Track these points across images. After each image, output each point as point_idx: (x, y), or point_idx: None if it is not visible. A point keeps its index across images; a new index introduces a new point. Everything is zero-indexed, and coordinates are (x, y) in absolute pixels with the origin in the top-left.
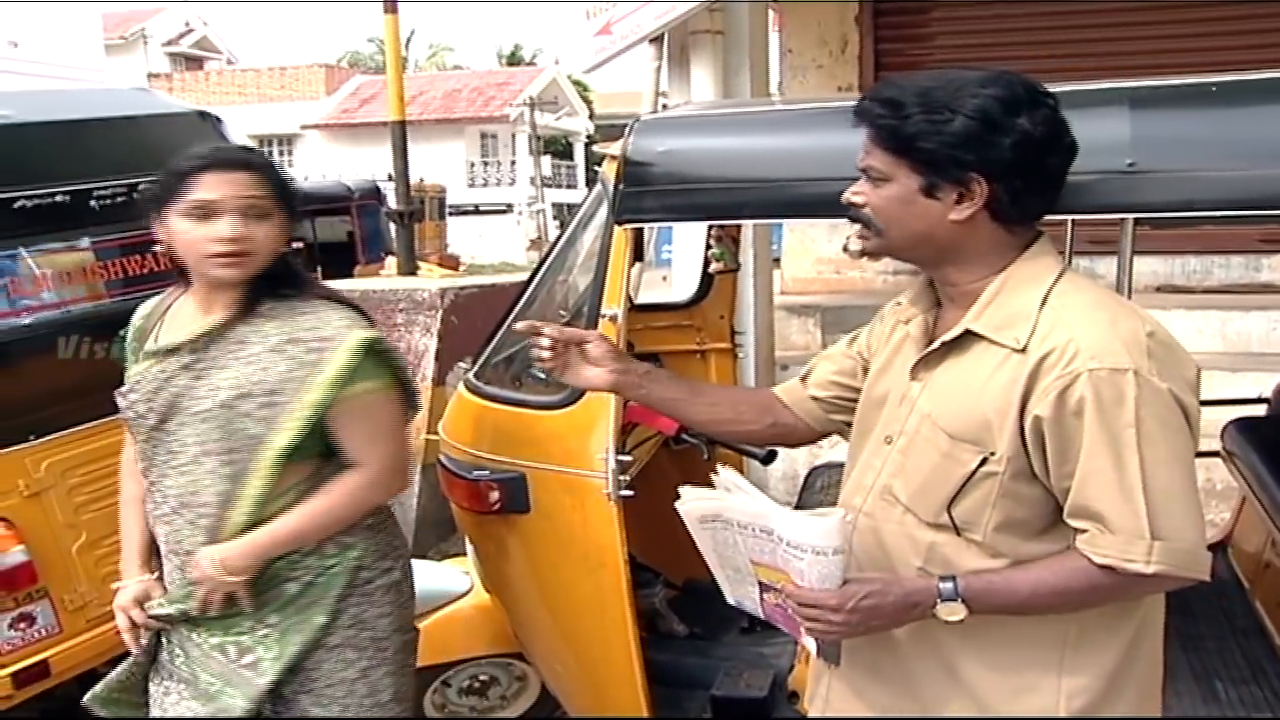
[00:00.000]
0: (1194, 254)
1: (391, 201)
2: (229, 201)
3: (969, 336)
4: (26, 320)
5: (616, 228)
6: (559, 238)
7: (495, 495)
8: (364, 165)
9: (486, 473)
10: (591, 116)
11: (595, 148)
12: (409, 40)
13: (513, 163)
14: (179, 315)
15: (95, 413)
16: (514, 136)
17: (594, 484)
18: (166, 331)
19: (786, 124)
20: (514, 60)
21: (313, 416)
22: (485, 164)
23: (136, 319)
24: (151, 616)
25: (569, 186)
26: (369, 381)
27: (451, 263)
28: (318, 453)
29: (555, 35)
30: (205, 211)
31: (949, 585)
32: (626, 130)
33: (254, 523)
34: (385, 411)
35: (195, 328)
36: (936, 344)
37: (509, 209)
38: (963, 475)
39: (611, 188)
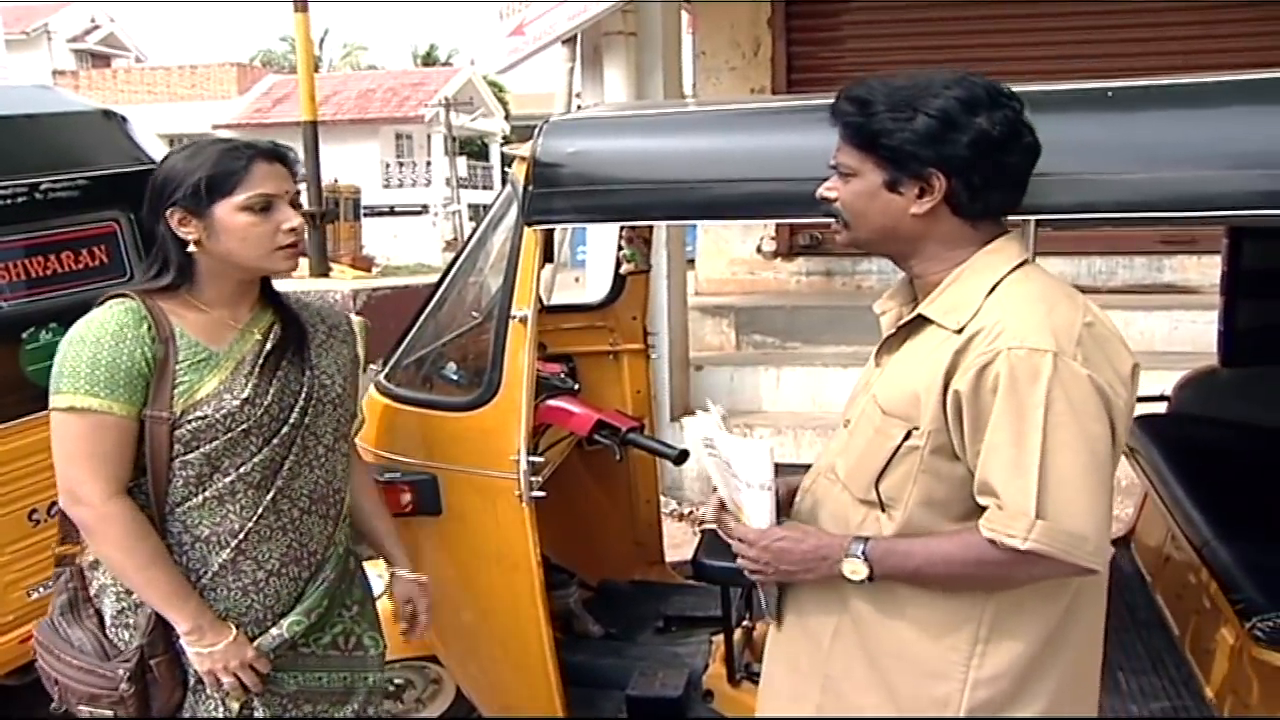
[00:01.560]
0: (1099, 255)
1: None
2: (290, 192)
3: (920, 321)
4: None
5: (526, 229)
6: (469, 239)
7: (407, 497)
8: None
9: (398, 475)
10: (507, 117)
11: (505, 149)
12: (322, 40)
13: (428, 164)
14: (198, 318)
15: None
16: (429, 137)
17: (506, 485)
18: (212, 337)
19: (697, 126)
20: (429, 60)
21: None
22: (400, 165)
23: (126, 333)
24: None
25: (485, 187)
26: None
27: (364, 264)
28: None
29: (471, 36)
30: (266, 203)
31: (857, 544)
32: (535, 131)
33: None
34: None
35: (258, 325)
36: (894, 329)
37: (424, 210)
38: (889, 449)
39: (521, 189)
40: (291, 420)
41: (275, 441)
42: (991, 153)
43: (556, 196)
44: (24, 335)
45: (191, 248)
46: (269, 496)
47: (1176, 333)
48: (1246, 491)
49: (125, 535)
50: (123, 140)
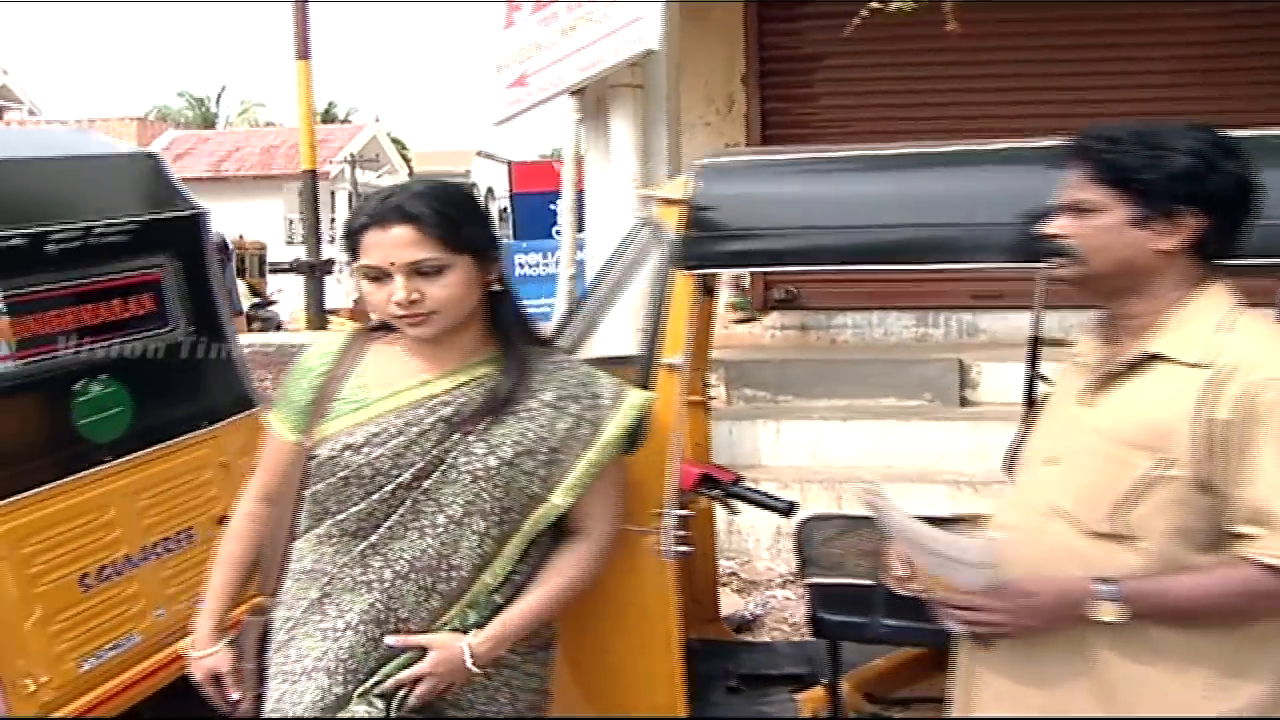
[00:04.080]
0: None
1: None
2: (396, 264)
3: (1149, 359)
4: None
5: (678, 274)
6: (594, 283)
7: None
8: None
9: None
10: (410, 174)
11: (643, 191)
12: (219, 96)
13: (332, 220)
14: (388, 361)
15: (48, 476)
16: (333, 194)
17: (645, 541)
18: (381, 380)
19: (868, 169)
20: (328, 117)
21: (590, 477)
22: (304, 221)
23: (318, 364)
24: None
25: None
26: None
27: (363, 316)
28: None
29: (370, 93)
30: (376, 274)
31: (1109, 587)
32: (687, 174)
33: (500, 587)
34: (618, 470)
35: (449, 378)
36: (1113, 366)
37: (330, 266)
38: (1131, 479)
39: (670, 233)
40: (401, 479)
41: (376, 496)
42: (1245, 196)
43: (717, 241)
44: (75, 387)
45: None
46: (359, 547)
47: None
48: None
49: (228, 533)
50: (165, 184)
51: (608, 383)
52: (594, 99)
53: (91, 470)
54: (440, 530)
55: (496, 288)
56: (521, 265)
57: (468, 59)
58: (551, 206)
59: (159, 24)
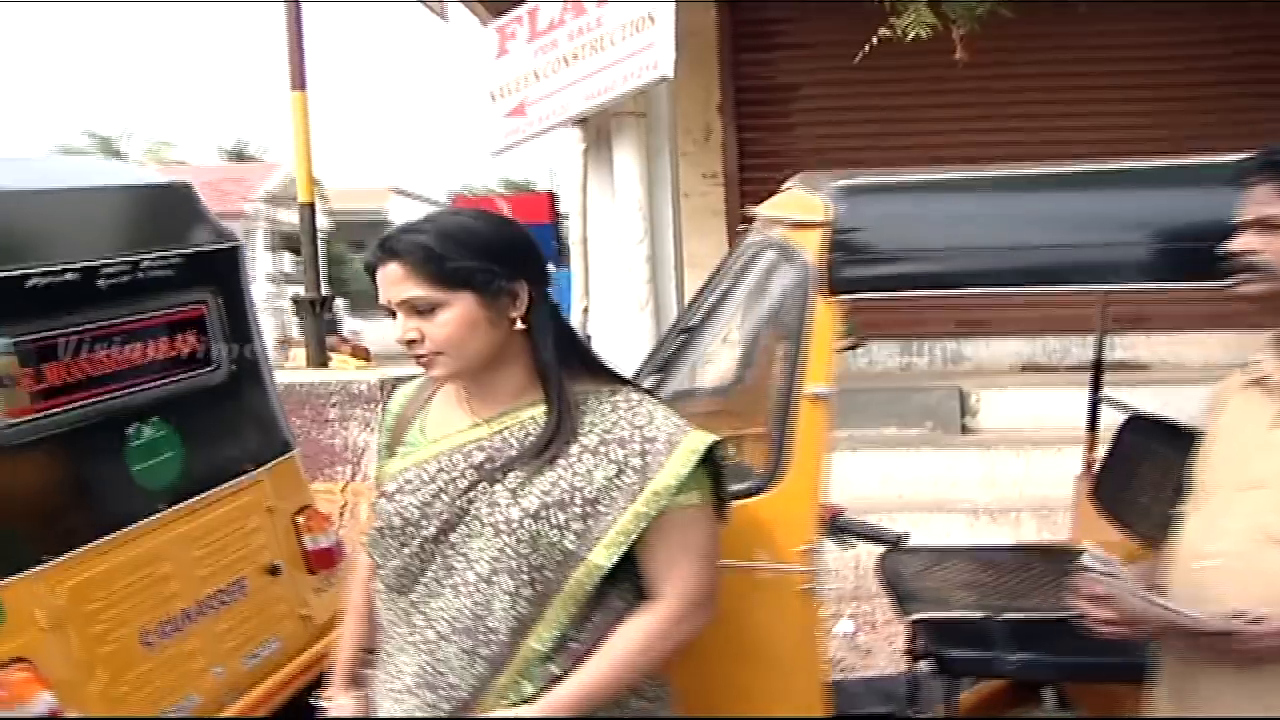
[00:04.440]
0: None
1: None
2: (392, 301)
3: None
4: (41, 418)
5: (821, 300)
6: (699, 310)
7: None
8: None
9: None
10: (328, 213)
11: (755, 209)
12: (127, 138)
13: (251, 259)
14: (450, 403)
15: (107, 527)
16: (248, 233)
17: (786, 579)
18: (437, 423)
19: (1023, 188)
20: (241, 157)
21: (635, 531)
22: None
23: (394, 405)
24: None
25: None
26: (692, 494)
27: (363, 353)
28: (614, 569)
29: (283, 132)
30: (390, 311)
31: None
32: (825, 197)
33: (552, 654)
34: (699, 530)
35: (493, 422)
36: None
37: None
38: None
39: (808, 257)
40: (426, 531)
41: (408, 550)
42: None
43: (867, 265)
44: (129, 431)
45: None
46: (402, 604)
47: None
48: None
49: (353, 581)
50: (201, 214)
51: (666, 424)
52: (593, 128)
53: (147, 520)
54: (472, 589)
55: (520, 325)
56: None
57: (382, 94)
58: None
59: (55, 62)
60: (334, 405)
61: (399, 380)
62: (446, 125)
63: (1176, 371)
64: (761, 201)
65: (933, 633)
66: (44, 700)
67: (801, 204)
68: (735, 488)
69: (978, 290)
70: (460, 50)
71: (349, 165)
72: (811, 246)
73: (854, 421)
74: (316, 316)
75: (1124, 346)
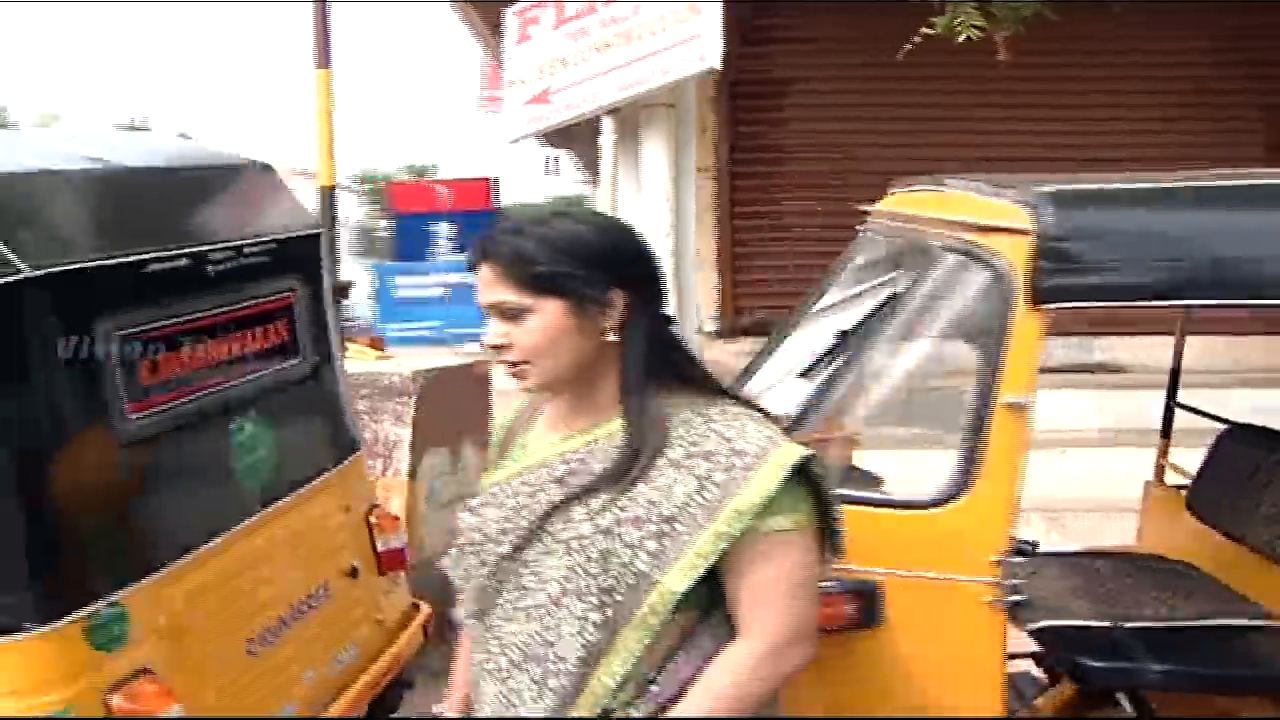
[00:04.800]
0: None
1: None
2: (484, 304)
3: None
4: (160, 412)
5: (1023, 309)
6: (863, 307)
7: (850, 609)
8: None
9: (835, 584)
10: None
11: (944, 215)
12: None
13: None
14: (550, 418)
15: (217, 528)
16: None
17: (973, 590)
18: (537, 437)
19: (1242, 199)
20: (134, 129)
21: (714, 554)
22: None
23: (503, 419)
24: None
25: None
26: (785, 516)
27: (380, 344)
28: (704, 603)
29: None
30: (486, 313)
31: None
32: (1027, 204)
33: (623, 687)
34: (792, 558)
35: (580, 436)
36: None
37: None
38: None
39: (1011, 265)
40: (502, 549)
41: (486, 568)
42: None
43: (1079, 275)
44: (232, 426)
45: None
46: (480, 629)
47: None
48: None
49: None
50: (287, 197)
51: (757, 436)
52: (620, 119)
53: (249, 521)
54: (542, 612)
55: (612, 337)
56: (401, 288)
57: (277, 69)
58: (429, 228)
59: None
60: (364, 397)
61: (429, 372)
62: (349, 110)
63: (1158, 375)
64: (753, 195)
65: (1063, 642)
66: (175, 712)
67: (994, 210)
68: (916, 496)
69: (1188, 303)
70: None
71: (246, 144)
72: (1013, 254)
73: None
74: (335, 304)
75: (1101, 349)
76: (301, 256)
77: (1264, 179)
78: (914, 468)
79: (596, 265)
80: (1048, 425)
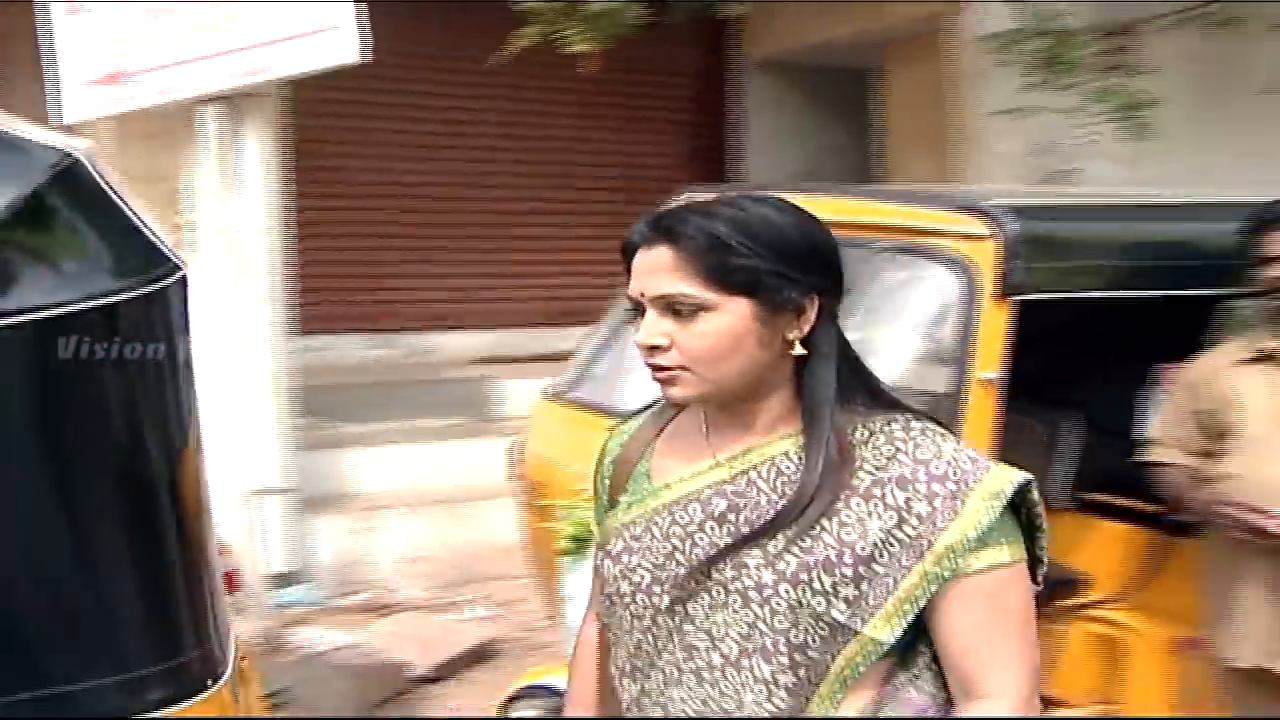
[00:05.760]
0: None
1: None
2: (646, 294)
3: None
4: None
5: (991, 302)
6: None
7: None
8: None
9: None
10: None
11: (912, 223)
12: None
13: None
14: (683, 439)
15: None
16: None
17: None
18: (667, 464)
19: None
20: None
21: (924, 597)
22: None
23: (613, 446)
24: None
25: None
26: (1002, 549)
27: None
28: (897, 648)
29: None
30: (635, 307)
31: None
32: (988, 215)
33: None
34: (1013, 595)
35: (738, 460)
36: None
37: None
38: None
39: (979, 266)
40: (658, 601)
41: (640, 625)
42: None
43: (1034, 273)
44: None
45: None
46: (637, 693)
47: None
48: None
49: (572, 659)
50: None
51: (959, 458)
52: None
53: None
54: (718, 674)
55: (798, 350)
56: None
57: None
58: None
59: None
60: None
61: None
62: None
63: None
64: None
65: None
66: None
67: (963, 220)
68: None
69: (1123, 294)
70: None
71: None
72: (979, 256)
73: (389, 415)
74: None
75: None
76: None
77: (1182, 199)
78: None
79: (797, 264)
80: None
